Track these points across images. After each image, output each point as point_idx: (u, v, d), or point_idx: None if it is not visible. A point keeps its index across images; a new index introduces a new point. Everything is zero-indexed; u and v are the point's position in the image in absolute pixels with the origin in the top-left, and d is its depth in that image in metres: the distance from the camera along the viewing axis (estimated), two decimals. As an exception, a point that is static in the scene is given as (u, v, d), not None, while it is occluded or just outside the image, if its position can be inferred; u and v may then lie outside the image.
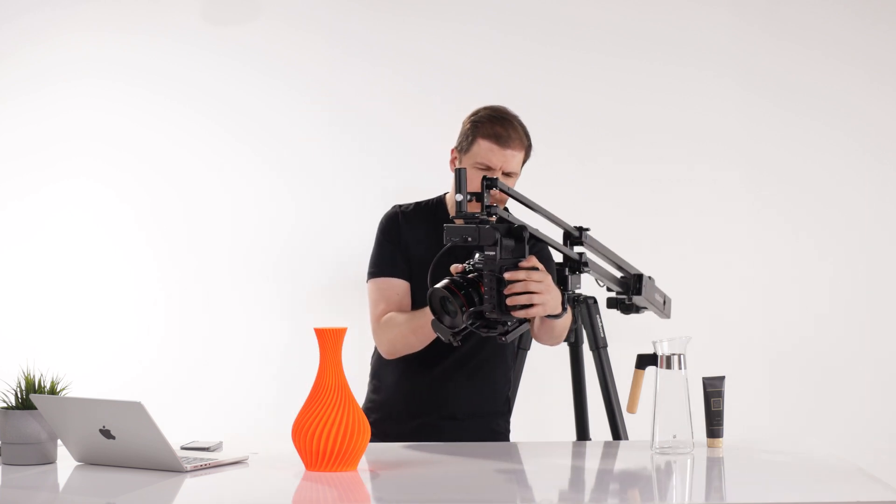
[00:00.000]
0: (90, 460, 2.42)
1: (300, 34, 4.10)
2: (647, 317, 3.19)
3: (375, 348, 3.02)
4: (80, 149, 4.09)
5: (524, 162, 2.88)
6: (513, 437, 3.11)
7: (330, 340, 2.35)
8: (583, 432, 3.35)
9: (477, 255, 2.56)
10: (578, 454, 2.67)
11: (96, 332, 4.07)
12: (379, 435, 2.71)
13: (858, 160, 4.12)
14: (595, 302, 3.28)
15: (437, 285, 2.52)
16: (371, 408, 2.97)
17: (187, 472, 2.32)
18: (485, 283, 2.49)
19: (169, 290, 4.10)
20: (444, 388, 2.92)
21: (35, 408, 2.39)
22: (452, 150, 2.90)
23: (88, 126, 4.08)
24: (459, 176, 2.50)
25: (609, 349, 3.31)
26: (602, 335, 3.27)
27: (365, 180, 4.10)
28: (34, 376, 2.44)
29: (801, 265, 4.11)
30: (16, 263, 4.08)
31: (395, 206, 2.99)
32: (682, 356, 2.51)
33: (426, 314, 2.71)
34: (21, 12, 4.08)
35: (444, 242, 2.52)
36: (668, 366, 2.51)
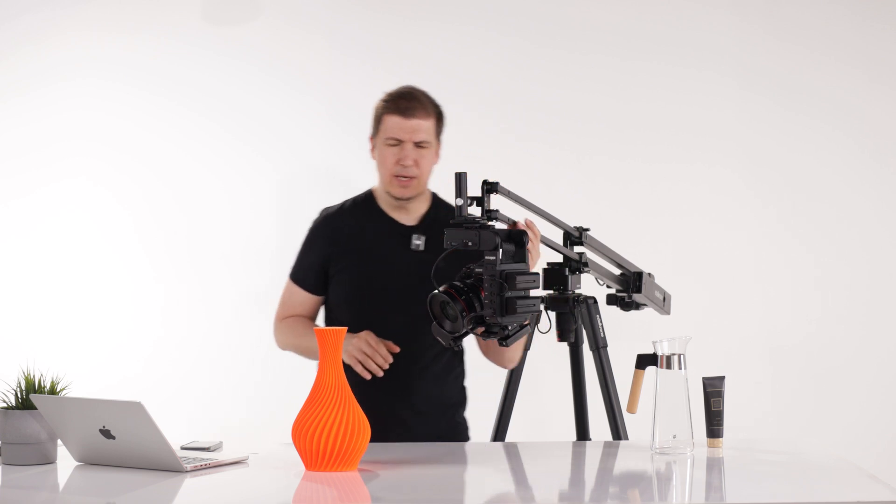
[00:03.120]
0: (90, 460, 2.41)
1: (300, 34, 4.10)
2: (647, 315, 3.19)
3: None
4: (79, 149, 4.09)
5: (439, 132, 2.90)
6: (513, 437, 3.11)
7: (330, 341, 2.35)
8: (583, 432, 3.35)
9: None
10: (578, 454, 2.67)
11: (97, 332, 4.06)
12: None
13: (858, 160, 4.12)
14: (595, 302, 3.27)
15: (437, 290, 2.52)
16: None
17: (187, 472, 2.32)
18: (485, 289, 2.48)
19: (169, 289, 4.10)
20: (402, 382, 2.89)
21: (35, 408, 2.39)
22: (370, 139, 2.94)
23: (88, 126, 4.08)
24: (459, 180, 2.50)
25: (609, 349, 3.30)
26: (602, 335, 3.27)
27: (365, 180, 4.08)
28: (34, 376, 2.44)
29: (802, 265, 4.11)
30: (15, 263, 4.08)
31: (323, 211, 3.03)
32: (682, 356, 2.51)
33: (313, 344, 2.81)
34: (21, 12, 4.08)
35: (445, 246, 2.51)
36: (668, 366, 2.50)
